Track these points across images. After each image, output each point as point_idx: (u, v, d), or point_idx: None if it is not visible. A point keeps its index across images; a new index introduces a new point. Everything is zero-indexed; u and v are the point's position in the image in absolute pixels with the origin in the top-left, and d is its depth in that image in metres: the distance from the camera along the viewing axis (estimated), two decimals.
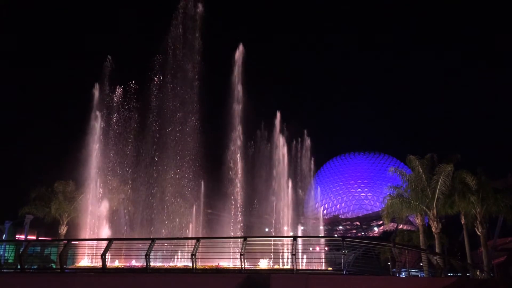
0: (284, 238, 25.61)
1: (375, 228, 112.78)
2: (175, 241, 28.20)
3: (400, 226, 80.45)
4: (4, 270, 23.21)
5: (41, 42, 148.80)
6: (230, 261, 20.60)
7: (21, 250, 22.06)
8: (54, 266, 21.79)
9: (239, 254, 18.69)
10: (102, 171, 36.65)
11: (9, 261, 25.19)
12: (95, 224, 36.17)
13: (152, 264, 19.66)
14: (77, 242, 22.63)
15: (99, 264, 19.69)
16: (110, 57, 37.29)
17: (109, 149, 36.61)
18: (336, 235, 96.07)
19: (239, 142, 36.65)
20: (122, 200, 40.31)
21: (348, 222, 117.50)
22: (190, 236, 36.27)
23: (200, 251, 19.40)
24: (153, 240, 20.37)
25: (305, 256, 21.27)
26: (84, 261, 22.87)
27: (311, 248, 21.36)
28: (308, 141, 50.40)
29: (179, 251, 22.59)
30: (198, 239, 20.15)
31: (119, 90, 37.69)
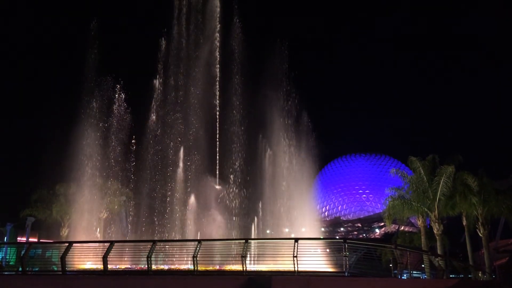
0: (286, 240, 25.53)
1: (377, 230, 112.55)
2: (176, 243, 28.16)
3: (402, 228, 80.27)
4: (6, 273, 23.21)
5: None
6: (232, 263, 20.57)
7: (22, 253, 22.06)
8: (55, 269, 21.75)
9: (240, 256, 18.67)
10: (103, 173, 36.71)
11: (11, 263, 25.19)
12: (97, 226, 36.22)
13: (153, 266, 19.64)
14: (78, 245, 22.56)
15: (100, 266, 19.68)
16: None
17: (109, 151, 36.68)
18: (337, 237, 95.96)
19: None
20: (124, 202, 40.37)
21: (350, 224, 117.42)
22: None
23: (201, 253, 19.40)
24: (154, 242, 20.35)
25: (306, 258, 21.22)
26: (86, 264, 22.86)
27: (312, 250, 21.24)
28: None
29: (181, 253, 22.55)
30: (199, 241, 20.12)
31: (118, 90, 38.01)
